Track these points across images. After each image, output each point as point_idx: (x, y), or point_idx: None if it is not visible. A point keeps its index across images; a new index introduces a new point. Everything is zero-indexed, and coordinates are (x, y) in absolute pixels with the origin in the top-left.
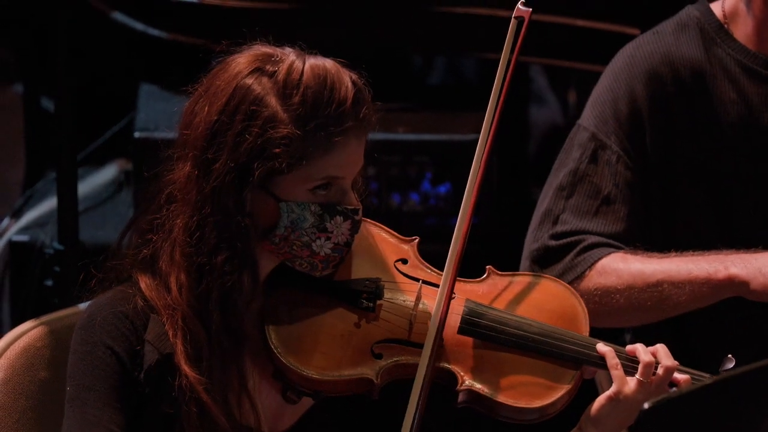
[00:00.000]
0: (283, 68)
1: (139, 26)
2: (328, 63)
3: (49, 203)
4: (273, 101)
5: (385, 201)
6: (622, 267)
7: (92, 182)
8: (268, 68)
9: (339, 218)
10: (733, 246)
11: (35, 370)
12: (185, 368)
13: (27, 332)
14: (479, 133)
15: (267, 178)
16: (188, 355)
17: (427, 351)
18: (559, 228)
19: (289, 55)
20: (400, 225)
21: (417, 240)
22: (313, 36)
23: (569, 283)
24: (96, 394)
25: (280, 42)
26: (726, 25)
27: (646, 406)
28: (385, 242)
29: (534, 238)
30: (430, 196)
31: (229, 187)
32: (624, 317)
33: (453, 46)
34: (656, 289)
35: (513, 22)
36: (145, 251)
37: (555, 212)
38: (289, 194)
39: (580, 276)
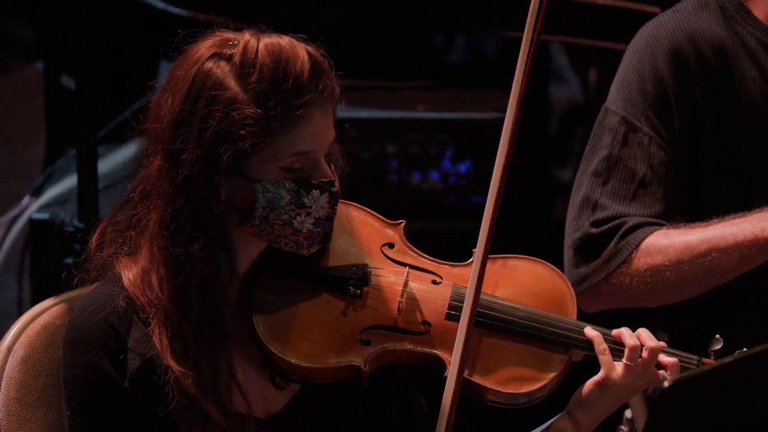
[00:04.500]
0: (238, 50)
1: (159, 4)
2: (283, 39)
3: (69, 181)
4: (232, 83)
5: (405, 179)
6: (666, 243)
7: (112, 160)
8: (225, 52)
9: (315, 192)
10: None
11: (55, 347)
12: (171, 363)
13: (47, 310)
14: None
15: (237, 161)
16: (174, 350)
17: (458, 353)
18: (599, 214)
19: (245, 36)
20: (420, 203)
21: (404, 223)
22: (330, 14)
23: (617, 268)
24: (99, 424)
25: (298, 20)
26: (746, 3)
27: (665, 384)
28: (371, 227)
29: (575, 227)
30: (451, 174)
31: (200, 175)
32: (676, 292)
33: (473, 24)
34: (705, 259)
35: None
36: (126, 249)
37: (593, 199)
38: (261, 174)
39: (627, 259)
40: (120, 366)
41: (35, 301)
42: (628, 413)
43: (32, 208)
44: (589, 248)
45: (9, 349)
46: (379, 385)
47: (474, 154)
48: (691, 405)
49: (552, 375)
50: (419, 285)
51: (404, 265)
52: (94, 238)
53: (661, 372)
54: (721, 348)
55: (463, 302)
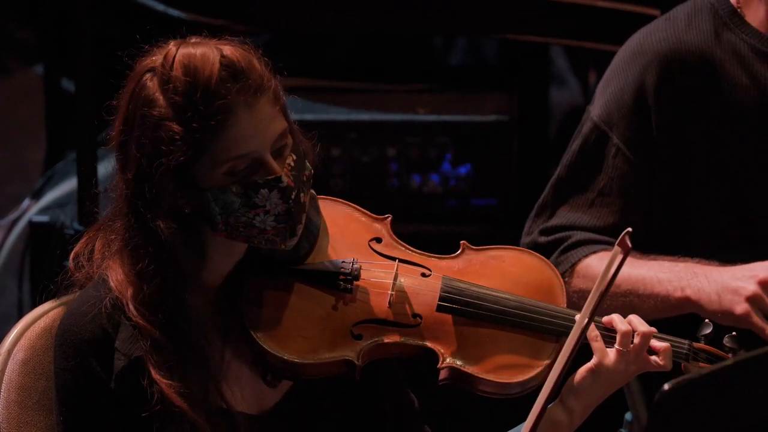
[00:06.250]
0: (160, 62)
1: (159, 7)
2: (198, 47)
3: (69, 184)
4: (161, 98)
5: (405, 182)
6: (597, 272)
7: (112, 163)
8: (157, 67)
9: (264, 191)
10: (755, 241)
11: None
12: (156, 375)
13: (47, 313)
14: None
15: (182, 173)
16: (156, 362)
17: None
18: (551, 222)
19: (169, 46)
20: (420, 206)
21: (390, 218)
22: (330, 17)
23: None
24: (87, 428)
25: (298, 23)
26: (739, 10)
27: (666, 387)
28: (358, 222)
29: (528, 231)
30: (451, 178)
31: (139, 192)
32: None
33: (473, 27)
34: (625, 299)
35: (617, 249)
36: (103, 272)
37: (550, 205)
38: (209, 182)
39: (561, 276)
40: (108, 367)
41: (35, 304)
42: (628, 416)
43: (32, 210)
44: None
45: (9, 352)
46: (370, 381)
47: (474, 157)
48: (692, 407)
49: (544, 363)
50: (409, 278)
51: (393, 258)
52: (71, 259)
53: (653, 357)
54: (711, 332)
55: (453, 293)
